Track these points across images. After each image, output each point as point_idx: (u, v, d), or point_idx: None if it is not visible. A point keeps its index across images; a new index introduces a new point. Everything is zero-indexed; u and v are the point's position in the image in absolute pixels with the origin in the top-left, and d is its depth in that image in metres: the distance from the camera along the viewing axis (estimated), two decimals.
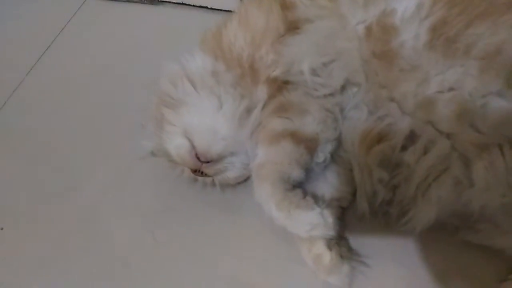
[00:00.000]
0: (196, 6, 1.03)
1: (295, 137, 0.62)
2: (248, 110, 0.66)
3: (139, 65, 0.97)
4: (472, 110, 0.53)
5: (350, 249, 0.64)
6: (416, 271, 0.62)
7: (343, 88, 0.62)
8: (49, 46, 1.08)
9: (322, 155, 0.64)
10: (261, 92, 0.66)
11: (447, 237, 0.61)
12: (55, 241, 0.77)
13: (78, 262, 0.74)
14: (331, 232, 0.60)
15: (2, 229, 0.80)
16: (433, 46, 0.56)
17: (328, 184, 0.67)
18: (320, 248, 0.61)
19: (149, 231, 0.75)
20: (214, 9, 1.01)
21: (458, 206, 0.56)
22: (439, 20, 0.56)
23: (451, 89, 0.55)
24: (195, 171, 0.69)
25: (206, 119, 0.67)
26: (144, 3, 1.09)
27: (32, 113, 0.96)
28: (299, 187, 0.63)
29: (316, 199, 0.63)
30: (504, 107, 0.52)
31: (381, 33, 0.58)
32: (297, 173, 0.62)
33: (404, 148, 0.58)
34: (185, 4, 1.04)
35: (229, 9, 0.98)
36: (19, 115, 0.96)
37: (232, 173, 0.69)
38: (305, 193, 0.62)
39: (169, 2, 1.06)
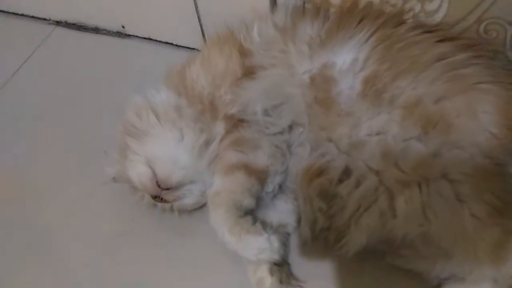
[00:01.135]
0: (162, 42, 1.09)
1: (248, 169, 0.69)
2: (207, 143, 0.73)
3: (104, 95, 1.02)
4: (395, 152, 0.62)
5: (290, 275, 0.71)
6: None
7: (290, 127, 0.70)
8: (16, 72, 1.11)
9: (271, 185, 0.71)
10: (219, 127, 0.73)
11: (376, 261, 0.69)
12: (13, 261, 0.79)
13: (35, 283, 0.77)
14: (277, 256, 0.67)
15: None
16: (365, 96, 0.65)
17: (276, 212, 0.74)
18: (263, 272, 0.68)
19: (109, 253, 0.79)
20: (179, 45, 1.08)
21: (384, 233, 0.63)
22: (370, 74, 0.65)
23: (378, 133, 0.63)
24: (155, 197, 0.74)
25: (167, 149, 0.73)
26: (112, 35, 1.14)
27: None
28: (250, 214, 0.69)
29: (265, 225, 0.69)
30: (422, 150, 0.61)
31: (323, 82, 0.67)
32: (248, 201, 0.69)
33: (340, 181, 0.65)
34: (152, 40, 1.10)
35: (193, 47, 1.06)
36: None
37: (189, 200, 0.75)
38: (255, 220, 0.68)
39: (136, 36, 1.12)
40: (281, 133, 0.70)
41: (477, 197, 0.59)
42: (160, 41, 1.10)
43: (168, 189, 0.72)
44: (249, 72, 0.72)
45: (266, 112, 0.70)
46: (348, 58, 0.67)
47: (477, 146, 0.60)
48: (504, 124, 0.61)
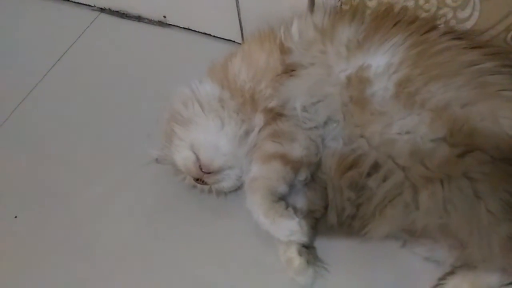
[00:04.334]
0: (201, 33, 1.15)
1: (284, 158, 0.75)
2: (247, 133, 0.79)
3: (145, 81, 1.08)
4: (422, 150, 0.67)
5: (316, 257, 0.77)
6: (369, 276, 0.76)
7: (325, 123, 0.76)
8: (62, 56, 1.17)
9: (304, 174, 0.77)
10: (259, 119, 0.79)
11: (397, 248, 0.76)
12: (64, 235, 0.87)
13: (86, 251, 0.85)
14: (306, 238, 0.74)
15: (16, 217, 0.90)
16: (398, 97, 0.70)
17: (306, 198, 0.80)
18: (293, 252, 0.74)
19: (150, 228, 0.86)
20: (216, 37, 1.14)
21: (406, 223, 0.70)
22: (404, 77, 0.71)
23: (408, 132, 0.69)
24: (197, 179, 0.80)
25: (211, 137, 0.79)
26: (153, 24, 1.20)
27: (46, 118, 1.06)
28: (283, 199, 0.76)
29: (295, 210, 0.76)
30: (447, 151, 0.67)
31: (358, 83, 0.72)
32: (283, 188, 0.75)
33: (369, 174, 0.71)
34: (191, 30, 1.16)
35: (230, 39, 1.12)
36: (34, 117, 1.06)
37: (227, 183, 0.81)
38: (287, 205, 0.75)
39: (177, 26, 1.18)
40: (316, 127, 0.76)
41: (494, 194, 0.64)
42: (199, 32, 1.16)
43: (209, 173, 0.79)
44: (289, 69, 0.78)
45: (304, 109, 0.76)
46: (383, 61, 0.73)
47: (497, 149, 0.65)
48: None
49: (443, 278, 0.73)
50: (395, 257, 0.77)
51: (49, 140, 1.02)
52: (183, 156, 0.80)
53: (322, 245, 0.80)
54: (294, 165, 0.76)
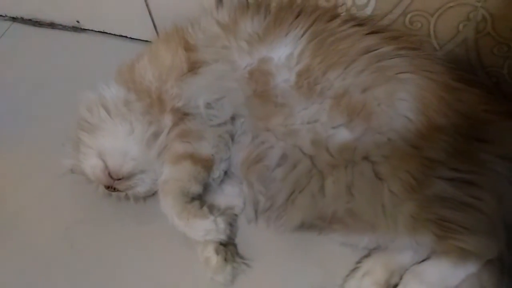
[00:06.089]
0: (116, 35, 1.12)
1: (194, 158, 0.74)
2: (156, 135, 0.77)
3: (61, 89, 1.04)
4: (324, 138, 0.68)
5: (235, 253, 0.77)
6: (290, 266, 0.76)
7: (232, 119, 0.75)
8: None
9: (217, 172, 0.77)
10: (167, 119, 0.77)
11: (314, 236, 0.76)
12: None
13: (3, 264, 0.81)
14: (222, 236, 0.73)
15: None
16: (299, 88, 0.71)
17: (224, 195, 0.80)
18: (210, 252, 0.73)
19: (68, 240, 0.83)
20: (133, 38, 1.11)
21: (316, 211, 0.70)
22: (304, 67, 0.71)
23: (309, 122, 0.69)
24: (108, 187, 0.78)
25: (118, 142, 0.77)
26: (67, 30, 1.16)
27: None
28: (198, 199, 0.75)
29: (212, 208, 0.76)
30: (347, 136, 0.68)
31: (261, 76, 0.72)
32: (195, 188, 0.74)
33: (278, 166, 0.72)
34: (106, 33, 1.13)
35: (146, 39, 1.09)
36: None
37: (142, 188, 0.79)
38: (202, 204, 0.74)
39: (92, 30, 1.14)
40: (224, 124, 0.76)
41: (395, 176, 0.66)
42: (114, 34, 1.13)
43: (120, 179, 0.77)
44: (193, 67, 0.77)
45: (208, 105, 0.75)
46: (284, 53, 0.73)
47: (394, 131, 0.67)
48: (420, 109, 0.68)
49: (359, 261, 0.74)
50: (313, 245, 0.77)
51: None
52: (91, 164, 0.78)
53: (243, 241, 0.79)
54: (205, 164, 0.75)
